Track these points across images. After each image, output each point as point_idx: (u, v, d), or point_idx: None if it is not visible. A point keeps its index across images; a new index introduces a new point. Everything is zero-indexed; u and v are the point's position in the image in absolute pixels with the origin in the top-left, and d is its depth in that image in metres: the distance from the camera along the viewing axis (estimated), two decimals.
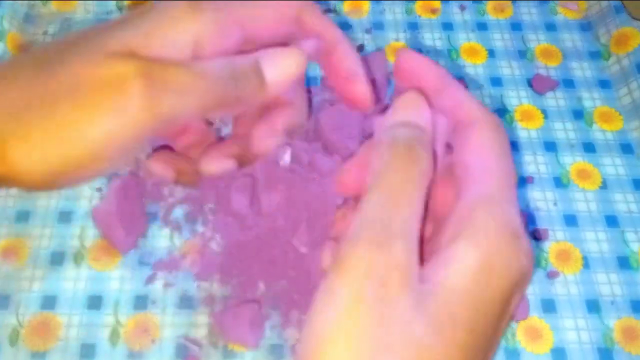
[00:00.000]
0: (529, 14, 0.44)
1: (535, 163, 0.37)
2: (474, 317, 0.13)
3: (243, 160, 0.19)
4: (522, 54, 0.42)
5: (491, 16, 0.44)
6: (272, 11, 0.16)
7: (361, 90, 0.17)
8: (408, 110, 0.15)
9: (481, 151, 0.14)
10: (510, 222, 0.14)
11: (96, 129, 0.14)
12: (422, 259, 0.14)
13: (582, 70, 0.41)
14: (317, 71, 0.40)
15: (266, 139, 0.18)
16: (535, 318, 0.32)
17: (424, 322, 0.12)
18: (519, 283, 0.14)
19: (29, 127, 0.14)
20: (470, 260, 0.13)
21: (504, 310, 0.13)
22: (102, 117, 0.14)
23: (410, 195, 0.13)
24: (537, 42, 0.42)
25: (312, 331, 0.13)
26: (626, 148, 0.38)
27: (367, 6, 0.44)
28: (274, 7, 0.17)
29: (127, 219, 0.32)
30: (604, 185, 0.36)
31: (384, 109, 0.16)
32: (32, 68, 0.15)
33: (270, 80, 0.16)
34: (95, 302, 0.32)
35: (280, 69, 0.16)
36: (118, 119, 0.14)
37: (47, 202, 0.35)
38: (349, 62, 0.18)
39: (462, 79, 0.40)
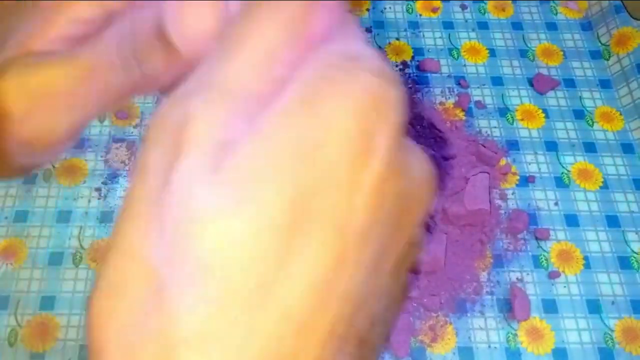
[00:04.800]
0: (530, 13, 0.44)
1: (536, 163, 0.37)
2: (296, 166, 0.09)
3: None
4: (523, 54, 0.42)
5: (492, 15, 0.44)
6: None
7: None
8: None
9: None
10: (348, 48, 0.10)
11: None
12: None
13: (582, 70, 0.41)
14: None
15: None
16: (537, 318, 0.32)
17: (220, 186, 0.09)
18: (372, 109, 0.10)
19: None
20: (286, 98, 0.10)
21: (356, 150, 0.09)
22: None
23: None
24: (538, 41, 0.42)
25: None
26: (627, 148, 0.38)
27: (367, 5, 0.44)
28: None
29: None
30: (605, 185, 0.36)
31: None
32: None
33: (180, 43, 0.12)
34: None
35: (190, 26, 0.12)
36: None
37: (46, 203, 0.35)
38: None
39: (463, 78, 0.40)
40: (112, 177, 0.36)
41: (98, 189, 0.35)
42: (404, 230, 0.11)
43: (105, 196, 0.35)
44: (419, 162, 0.11)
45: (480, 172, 0.35)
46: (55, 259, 0.33)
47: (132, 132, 0.37)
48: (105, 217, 0.34)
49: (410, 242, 0.11)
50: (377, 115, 0.10)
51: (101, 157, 0.36)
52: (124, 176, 0.36)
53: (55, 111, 0.12)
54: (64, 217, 0.34)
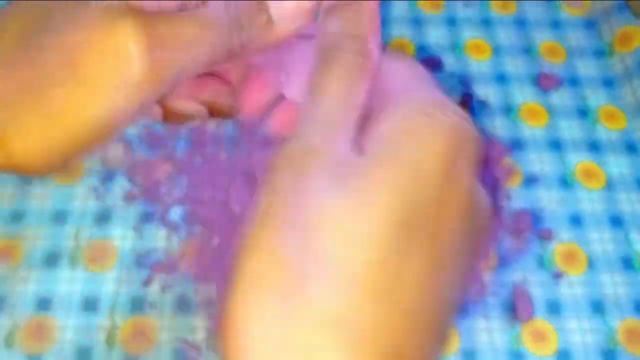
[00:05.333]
0: (534, 10, 0.43)
1: (539, 162, 0.37)
2: (401, 181, 0.11)
3: (215, 109, 0.17)
4: (527, 51, 0.41)
5: (495, 13, 0.43)
6: None
7: None
8: (343, 19, 0.14)
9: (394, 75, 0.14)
10: (433, 93, 0.13)
11: (98, 107, 0.13)
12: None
13: (586, 68, 0.41)
14: None
15: (255, 102, 0.16)
16: (540, 320, 0.32)
17: (343, 197, 0.11)
18: (456, 140, 0.12)
19: (24, 114, 0.13)
20: (388, 126, 0.12)
21: (445, 173, 0.12)
22: (103, 94, 0.13)
23: (337, 90, 0.13)
24: (542, 39, 0.42)
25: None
26: (631, 147, 0.38)
27: None
28: None
29: None
30: (609, 185, 0.36)
31: None
32: (18, 41, 0.13)
33: (278, 19, 0.14)
34: (91, 305, 0.31)
35: (288, 7, 0.14)
36: (121, 92, 0.13)
37: (42, 202, 0.34)
38: None
39: (467, 76, 0.40)
40: (109, 176, 0.35)
41: (95, 189, 0.35)
42: (476, 248, 0.13)
43: (102, 196, 0.35)
44: (483, 196, 0.13)
45: (483, 172, 0.34)
46: (52, 260, 0.32)
47: (128, 132, 0.36)
48: (103, 217, 0.34)
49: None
50: (460, 149, 0.12)
51: (98, 156, 0.36)
52: (121, 175, 0.35)
53: (174, 62, 0.13)
54: (60, 217, 0.34)
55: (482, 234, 0.13)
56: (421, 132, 0.12)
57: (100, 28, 0.12)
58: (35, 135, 0.13)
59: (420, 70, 0.14)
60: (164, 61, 0.13)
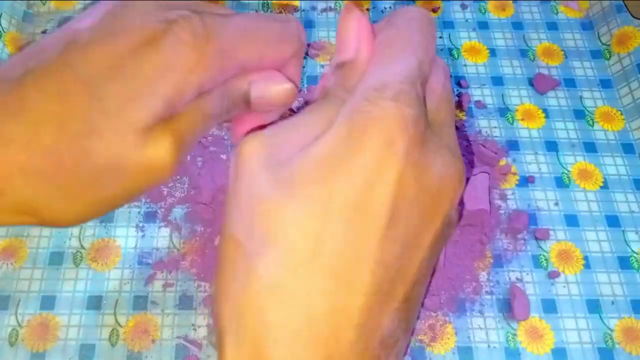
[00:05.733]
0: (530, 12, 0.44)
1: (536, 163, 0.37)
2: (330, 176, 0.13)
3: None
4: (524, 53, 0.42)
5: (492, 15, 0.44)
6: (273, 53, 0.17)
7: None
8: (339, 52, 0.16)
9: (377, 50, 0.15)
10: (379, 80, 0.14)
11: (133, 189, 0.16)
12: None
13: (583, 69, 0.41)
14: (317, 70, 0.40)
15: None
16: (536, 318, 0.32)
17: (275, 186, 0.13)
18: (392, 128, 0.13)
19: (69, 198, 0.15)
20: (332, 130, 0.14)
21: (378, 159, 0.13)
22: (139, 184, 0.16)
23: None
24: (539, 41, 0.42)
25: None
26: (627, 148, 0.38)
27: (367, 5, 0.44)
28: (276, 50, 0.17)
29: None
30: (605, 185, 0.36)
31: None
32: (58, 129, 0.14)
33: (255, 104, 0.17)
34: (94, 303, 0.32)
35: (267, 99, 0.17)
36: (152, 182, 0.16)
37: None
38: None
39: (463, 78, 0.40)
40: None
41: None
42: (436, 215, 0.14)
43: None
44: (443, 161, 0.14)
45: (480, 173, 0.35)
46: (56, 259, 0.33)
47: None
48: (105, 217, 0.34)
49: (445, 223, 0.14)
50: (397, 131, 0.13)
51: None
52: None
53: (186, 153, 0.17)
54: None
55: (444, 198, 0.14)
56: (355, 128, 0.13)
57: (142, 146, 0.15)
58: (71, 215, 0.15)
59: (399, 41, 0.15)
60: (183, 153, 0.16)
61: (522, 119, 0.39)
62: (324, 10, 0.43)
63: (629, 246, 0.34)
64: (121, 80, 0.15)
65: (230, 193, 0.14)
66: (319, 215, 0.13)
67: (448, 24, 0.43)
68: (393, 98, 0.13)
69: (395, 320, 0.13)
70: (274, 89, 0.17)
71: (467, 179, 0.35)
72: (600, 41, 0.42)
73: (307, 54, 0.41)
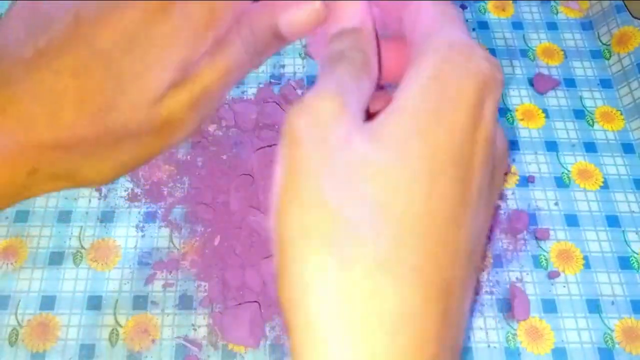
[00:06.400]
0: (530, 12, 0.44)
1: (536, 163, 0.37)
2: (434, 130, 0.12)
3: None
4: (524, 53, 0.42)
5: (492, 15, 0.44)
6: None
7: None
8: (338, 18, 0.15)
9: (425, 19, 0.15)
10: (460, 38, 0.14)
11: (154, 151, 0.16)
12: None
13: (583, 69, 0.41)
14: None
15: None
16: (536, 318, 0.32)
17: (376, 148, 0.12)
18: (485, 86, 0.13)
19: (97, 163, 0.15)
20: (417, 78, 0.13)
21: (474, 117, 0.13)
22: (159, 145, 0.16)
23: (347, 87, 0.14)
24: (539, 41, 0.42)
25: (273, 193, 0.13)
26: (627, 148, 0.38)
27: None
28: None
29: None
30: (605, 185, 0.36)
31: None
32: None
33: (288, 35, 0.16)
34: (94, 303, 0.32)
35: (299, 25, 0.16)
36: (171, 143, 0.16)
37: (46, 202, 0.35)
38: None
39: None
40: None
41: (98, 189, 0.35)
42: (497, 182, 0.14)
43: (106, 196, 0.35)
44: (500, 131, 0.14)
45: None
46: (56, 259, 0.33)
47: None
48: (106, 217, 0.34)
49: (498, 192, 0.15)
50: (487, 95, 0.13)
51: None
52: (124, 176, 0.36)
53: (207, 110, 0.16)
54: (64, 216, 0.34)
55: (500, 168, 0.14)
56: (450, 82, 0.13)
57: (160, 109, 0.15)
58: (104, 175, 0.16)
59: (450, 9, 0.15)
60: (202, 112, 0.16)
61: (522, 119, 0.39)
62: None
63: (629, 246, 0.34)
64: (134, 51, 0.14)
65: (306, 159, 0.13)
66: (426, 175, 0.12)
67: None
68: (487, 58, 0.13)
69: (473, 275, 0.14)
70: (304, 13, 0.15)
71: None
72: (600, 41, 0.42)
73: (307, 53, 0.41)
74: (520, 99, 0.40)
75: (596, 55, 0.41)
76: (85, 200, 0.35)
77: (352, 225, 0.12)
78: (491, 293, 0.33)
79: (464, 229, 0.13)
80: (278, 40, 0.16)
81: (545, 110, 0.39)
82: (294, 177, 0.13)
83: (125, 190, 0.35)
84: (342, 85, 0.13)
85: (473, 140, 0.13)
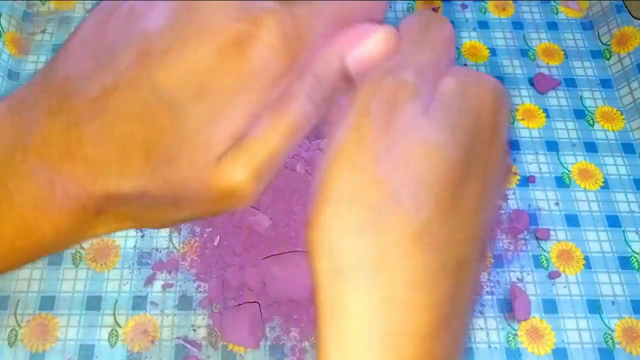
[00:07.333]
0: (531, 12, 0.44)
1: (537, 163, 0.37)
2: (466, 126, 0.14)
3: None
4: (524, 53, 0.42)
5: (493, 15, 0.44)
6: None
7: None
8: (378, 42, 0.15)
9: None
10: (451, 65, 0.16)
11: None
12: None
13: (583, 69, 0.41)
14: None
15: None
16: (537, 318, 0.32)
17: (429, 123, 0.14)
18: (499, 97, 0.15)
19: (160, 214, 0.15)
20: (448, 87, 0.15)
21: (494, 122, 0.15)
22: (216, 209, 0.15)
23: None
24: (539, 41, 0.42)
25: (325, 152, 0.14)
26: (628, 148, 0.38)
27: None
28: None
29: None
30: (606, 185, 0.36)
31: None
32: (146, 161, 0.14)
33: (357, 72, 0.15)
34: (94, 303, 0.31)
35: (369, 59, 0.15)
36: (231, 208, 0.15)
37: None
38: None
39: None
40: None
41: None
42: (500, 185, 0.16)
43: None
44: (506, 144, 0.16)
45: None
46: (55, 259, 0.33)
47: None
48: None
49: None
50: (501, 104, 0.15)
51: None
52: None
53: (270, 175, 0.15)
54: None
55: (505, 173, 0.16)
56: (475, 89, 0.15)
57: (219, 175, 0.14)
58: (156, 223, 0.15)
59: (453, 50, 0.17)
60: (265, 178, 0.14)
61: (523, 119, 0.39)
62: None
63: (629, 246, 0.34)
64: (202, 97, 0.13)
65: (370, 131, 0.14)
66: (463, 164, 0.14)
67: None
68: (477, 77, 0.16)
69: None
70: (371, 44, 0.14)
71: None
72: (601, 41, 0.42)
73: None
74: (520, 98, 0.40)
75: (596, 55, 0.41)
76: None
77: (396, 197, 0.13)
78: (492, 293, 0.33)
79: (480, 212, 0.15)
80: (346, 81, 0.15)
81: (545, 110, 0.39)
82: (354, 144, 0.14)
83: None
84: (420, 72, 0.15)
85: (491, 140, 0.15)
